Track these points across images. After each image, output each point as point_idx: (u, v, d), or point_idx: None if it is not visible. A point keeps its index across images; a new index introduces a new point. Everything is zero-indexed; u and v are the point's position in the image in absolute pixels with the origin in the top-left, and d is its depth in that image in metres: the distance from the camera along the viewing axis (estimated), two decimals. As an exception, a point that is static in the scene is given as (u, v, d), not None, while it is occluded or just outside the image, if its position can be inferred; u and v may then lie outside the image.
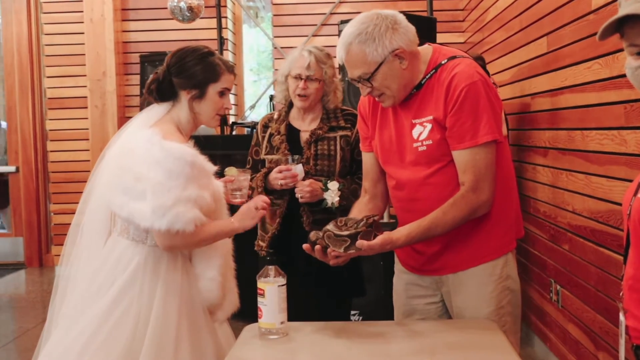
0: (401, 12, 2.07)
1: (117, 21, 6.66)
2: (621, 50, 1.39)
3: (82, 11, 6.60)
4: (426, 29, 4.42)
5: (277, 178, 2.70)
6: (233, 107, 7.14)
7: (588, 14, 2.95)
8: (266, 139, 2.86)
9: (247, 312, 2.29)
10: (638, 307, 1.43)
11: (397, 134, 2.11)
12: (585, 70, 2.98)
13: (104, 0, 6.52)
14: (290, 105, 2.89)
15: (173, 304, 2.09)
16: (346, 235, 1.91)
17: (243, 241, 2.49)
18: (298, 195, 2.71)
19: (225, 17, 6.75)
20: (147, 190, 2.01)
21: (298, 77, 2.76)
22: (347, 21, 2.12)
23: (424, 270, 2.18)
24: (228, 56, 6.71)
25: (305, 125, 2.84)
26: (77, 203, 2.28)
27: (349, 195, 2.71)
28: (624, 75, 1.41)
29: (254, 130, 3.00)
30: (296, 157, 2.73)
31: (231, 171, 2.40)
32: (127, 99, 6.71)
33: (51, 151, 6.88)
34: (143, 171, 2.02)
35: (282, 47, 6.41)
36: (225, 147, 4.89)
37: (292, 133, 2.83)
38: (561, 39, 3.31)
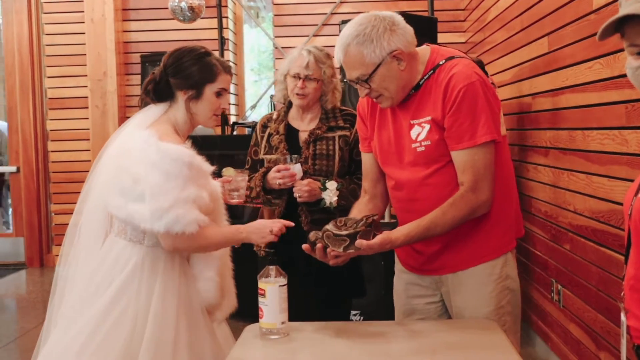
0: (402, 12, 2.07)
1: (118, 21, 6.66)
2: (622, 50, 1.39)
3: (82, 11, 6.60)
4: (427, 29, 4.42)
5: (275, 177, 2.69)
6: (234, 107, 7.14)
7: (589, 14, 2.94)
8: (265, 138, 2.86)
9: (246, 312, 2.29)
10: (639, 307, 1.43)
11: (395, 135, 2.11)
12: (587, 70, 2.98)
13: (104, 0, 6.52)
14: (289, 105, 2.89)
15: (171, 304, 2.09)
16: (345, 235, 1.90)
17: (242, 241, 2.48)
18: (296, 194, 2.71)
19: (226, 17, 6.76)
20: (146, 193, 2.01)
21: (296, 77, 2.76)
22: (347, 21, 2.11)
23: (423, 270, 2.18)
24: (229, 56, 6.71)
25: (304, 125, 2.84)
26: (78, 203, 2.28)
27: (348, 195, 2.70)
28: (625, 75, 1.40)
29: (254, 130, 3.01)
30: (295, 156, 2.73)
31: (228, 171, 2.40)
32: (128, 99, 6.71)
33: (52, 151, 6.89)
34: (141, 173, 2.02)
35: (283, 47, 6.41)
36: (227, 148, 4.89)
37: (291, 133, 2.83)
38: (562, 39, 3.31)
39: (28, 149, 6.79)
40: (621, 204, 1.90)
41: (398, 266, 2.31)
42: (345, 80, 2.20)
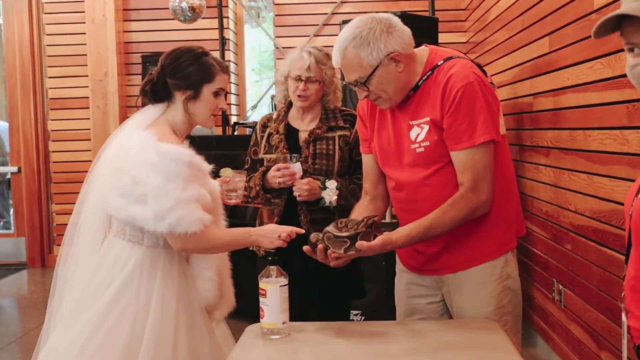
0: (403, 12, 2.08)
1: (119, 21, 6.66)
2: (623, 50, 1.39)
3: (83, 11, 6.60)
4: (428, 29, 4.41)
5: (275, 176, 2.69)
6: (235, 107, 7.14)
7: (590, 14, 2.94)
8: (265, 138, 2.86)
9: (246, 312, 2.29)
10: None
11: (395, 136, 2.11)
12: (588, 70, 2.98)
13: (105, 0, 6.52)
14: (289, 105, 2.88)
15: (170, 304, 2.09)
16: (346, 237, 1.90)
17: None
18: (296, 193, 2.70)
19: (227, 17, 6.75)
20: (147, 195, 2.01)
21: (298, 79, 2.76)
22: (348, 21, 2.11)
23: (424, 270, 2.19)
24: (229, 56, 6.71)
25: (304, 125, 2.84)
26: (79, 204, 2.28)
27: (347, 195, 2.70)
28: (626, 75, 1.40)
29: (254, 130, 3.01)
30: (295, 155, 2.73)
31: (226, 172, 2.40)
32: (129, 99, 6.71)
33: (53, 151, 6.89)
34: (141, 175, 2.02)
35: (283, 47, 6.41)
36: (228, 148, 4.89)
37: (291, 132, 2.83)
38: (563, 39, 3.31)
39: (29, 149, 6.80)
40: (622, 204, 1.90)
41: (399, 266, 2.31)
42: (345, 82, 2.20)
